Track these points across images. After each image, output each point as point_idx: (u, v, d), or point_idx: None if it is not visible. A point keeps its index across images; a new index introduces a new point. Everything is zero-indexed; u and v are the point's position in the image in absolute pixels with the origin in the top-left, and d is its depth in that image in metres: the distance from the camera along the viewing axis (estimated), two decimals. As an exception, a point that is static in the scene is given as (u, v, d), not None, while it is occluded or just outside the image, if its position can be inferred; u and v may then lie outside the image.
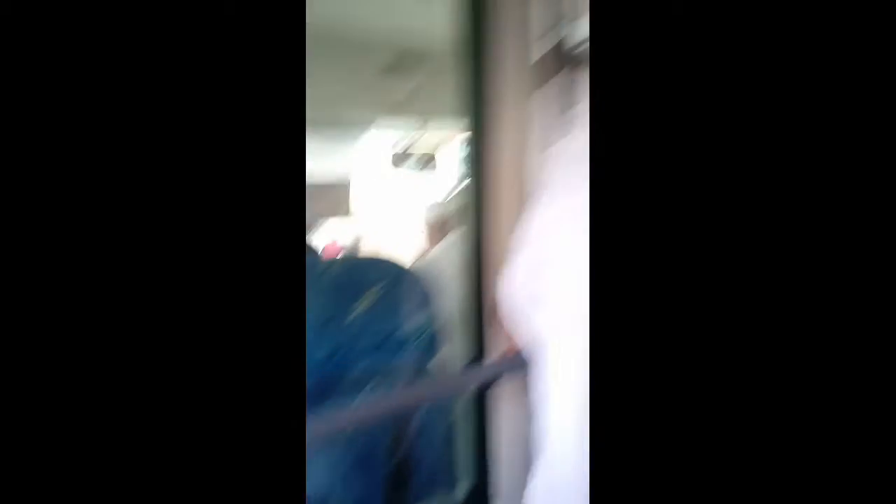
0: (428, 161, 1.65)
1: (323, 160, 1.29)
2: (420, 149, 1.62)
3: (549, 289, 0.53)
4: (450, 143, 1.66)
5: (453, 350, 0.83)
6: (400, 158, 1.59)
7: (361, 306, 0.66)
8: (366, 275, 0.69)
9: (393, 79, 1.27)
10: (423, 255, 1.30)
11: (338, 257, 1.81)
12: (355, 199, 1.37)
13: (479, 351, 0.64)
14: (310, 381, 0.61)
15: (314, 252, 1.07)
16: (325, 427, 0.46)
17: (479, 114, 0.65)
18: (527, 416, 0.67)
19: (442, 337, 0.78)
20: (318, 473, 0.62)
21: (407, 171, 1.61)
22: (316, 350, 0.63)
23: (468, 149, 0.66)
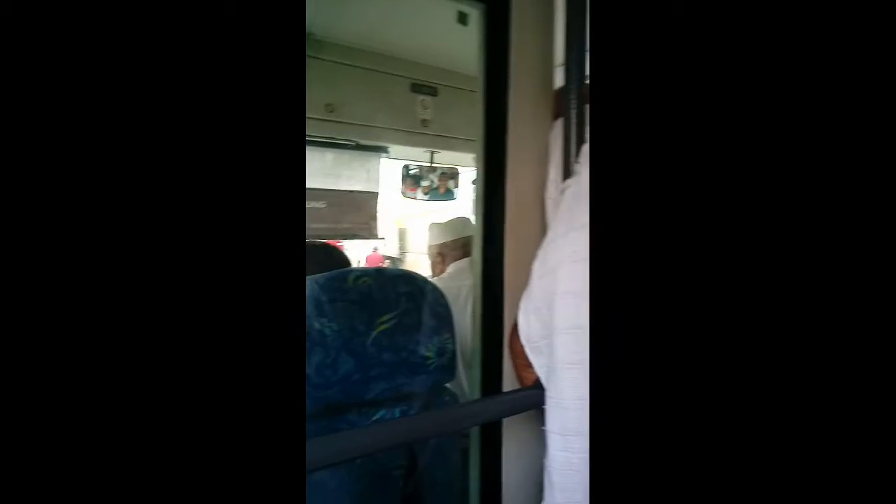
0: (444, 184, 1.66)
1: (352, 176, 1.32)
2: (438, 171, 1.63)
3: (562, 321, 0.53)
4: (468, 166, 1.68)
5: (470, 377, 0.83)
6: (417, 179, 1.60)
7: (389, 320, 0.66)
8: (395, 287, 0.69)
9: (417, 99, 1.30)
10: (435, 277, 1.30)
11: (381, 265, 1.78)
12: (381, 215, 1.39)
13: (495, 380, 0.64)
14: (332, 397, 0.61)
15: (347, 261, 1.07)
16: (343, 445, 0.46)
17: (499, 139, 0.66)
18: (540, 448, 0.66)
19: (459, 361, 0.78)
20: (336, 491, 0.62)
21: (423, 194, 1.62)
22: (342, 365, 0.63)
23: (487, 174, 0.67)
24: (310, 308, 0.62)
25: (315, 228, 1.20)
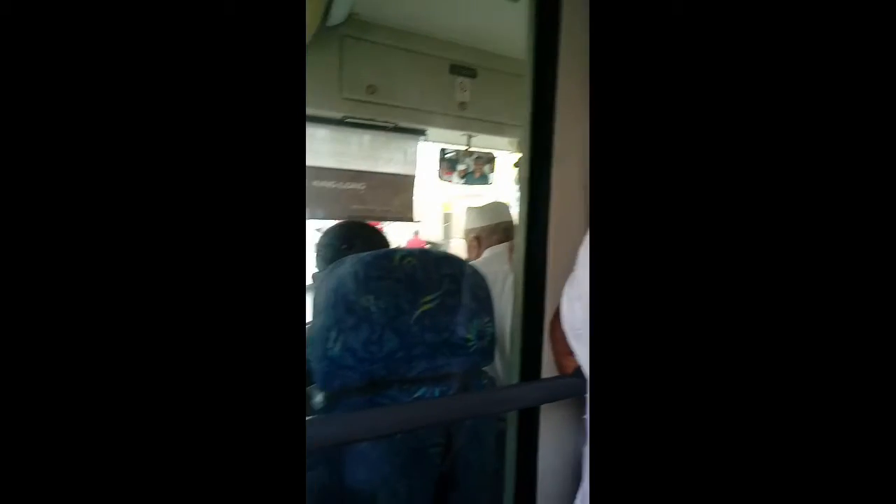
0: (479, 168, 1.65)
1: (391, 158, 1.33)
2: (474, 156, 1.62)
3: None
4: (507, 151, 1.65)
5: (506, 361, 0.83)
6: (453, 163, 1.60)
7: (432, 301, 0.66)
8: (439, 268, 0.70)
9: (456, 81, 1.29)
10: (471, 261, 1.30)
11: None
12: (417, 198, 1.40)
13: (535, 365, 0.64)
14: (376, 373, 0.63)
15: (388, 243, 1.09)
16: (385, 420, 0.48)
17: (546, 121, 0.64)
18: (578, 435, 0.66)
19: (498, 344, 0.78)
20: (378, 461, 0.64)
21: (459, 177, 1.62)
22: (387, 342, 0.64)
23: (532, 157, 0.65)
24: (355, 284, 0.63)
25: (354, 210, 1.22)
